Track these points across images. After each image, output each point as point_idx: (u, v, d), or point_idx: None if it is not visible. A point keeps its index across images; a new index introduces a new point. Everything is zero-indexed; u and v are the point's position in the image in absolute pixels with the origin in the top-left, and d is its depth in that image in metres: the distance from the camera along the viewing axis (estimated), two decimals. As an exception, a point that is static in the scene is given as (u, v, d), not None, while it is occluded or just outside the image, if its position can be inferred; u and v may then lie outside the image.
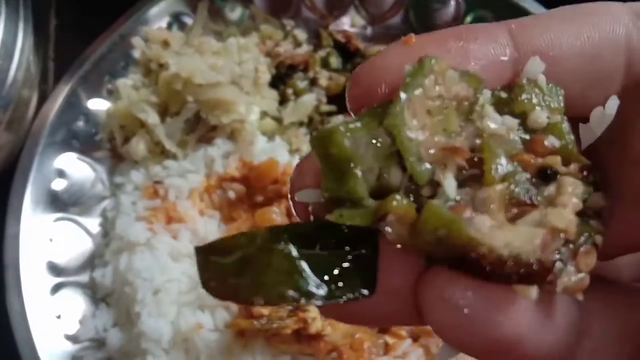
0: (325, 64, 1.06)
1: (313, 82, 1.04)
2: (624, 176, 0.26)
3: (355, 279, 0.27)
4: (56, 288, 0.91)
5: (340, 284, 0.27)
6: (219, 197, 0.96)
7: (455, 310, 0.26)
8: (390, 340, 0.88)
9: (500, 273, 0.24)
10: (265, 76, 1.02)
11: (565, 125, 0.28)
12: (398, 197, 0.26)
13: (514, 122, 0.28)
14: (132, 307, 0.87)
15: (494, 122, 0.27)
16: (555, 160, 0.27)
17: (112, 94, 1.02)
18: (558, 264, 0.25)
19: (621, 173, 0.27)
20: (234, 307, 0.86)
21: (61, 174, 0.97)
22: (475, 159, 0.27)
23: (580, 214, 0.26)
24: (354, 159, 0.26)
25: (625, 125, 0.27)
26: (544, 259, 0.25)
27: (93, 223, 0.98)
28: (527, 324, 0.26)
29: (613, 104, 0.29)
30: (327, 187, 0.27)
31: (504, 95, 0.28)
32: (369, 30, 1.11)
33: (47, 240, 0.93)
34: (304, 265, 0.27)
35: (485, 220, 0.25)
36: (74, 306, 0.91)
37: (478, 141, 0.27)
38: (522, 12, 1.03)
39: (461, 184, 0.27)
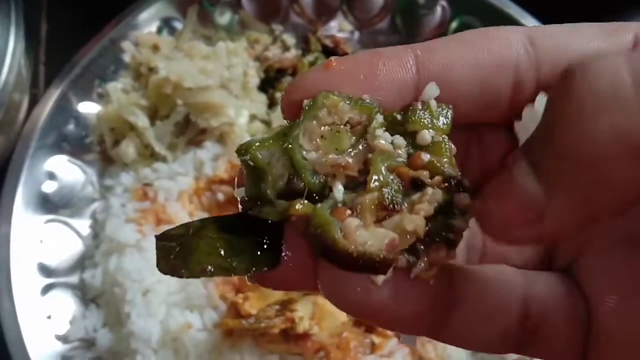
0: (313, 69, 1.07)
1: (301, 86, 1.06)
2: (553, 169, 0.30)
3: (263, 257, 0.35)
4: (46, 289, 0.92)
5: (250, 260, 0.35)
6: (208, 199, 0.97)
7: (334, 289, 0.33)
8: (376, 339, 0.89)
9: (359, 264, 0.32)
10: (254, 80, 1.03)
11: (446, 143, 0.34)
12: (300, 202, 0.33)
13: (402, 141, 0.34)
14: (121, 308, 0.88)
15: (383, 140, 0.33)
16: (423, 173, 0.33)
17: (102, 98, 1.04)
18: (405, 258, 0.32)
19: (551, 166, 0.30)
20: (223, 307, 0.87)
21: (52, 176, 0.98)
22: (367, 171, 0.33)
23: (443, 215, 0.32)
24: (265, 168, 0.33)
25: (549, 125, 0.30)
26: (386, 256, 0.31)
27: (83, 225, 0.99)
28: (384, 298, 0.33)
29: (541, 101, 0.32)
30: (248, 189, 0.35)
31: (399, 117, 0.34)
32: (356, 35, 1.13)
33: (37, 241, 0.94)
34: (221, 245, 0.35)
35: (354, 222, 0.32)
36: (64, 307, 0.92)
37: (370, 156, 0.34)
38: (506, 18, 1.05)
39: (353, 191, 0.34)
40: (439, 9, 1.09)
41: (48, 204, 0.97)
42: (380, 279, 0.32)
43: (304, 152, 0.34)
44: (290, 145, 0.34)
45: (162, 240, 0.36)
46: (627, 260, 0.34)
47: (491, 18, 1.06)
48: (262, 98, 1.04)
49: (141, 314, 0.87)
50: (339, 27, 1.13)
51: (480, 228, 0.32)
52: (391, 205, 0.32)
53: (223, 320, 0.84)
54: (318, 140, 0.34)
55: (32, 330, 0.87)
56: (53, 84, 1.01)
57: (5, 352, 0.86)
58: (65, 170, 1.00)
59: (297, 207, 0.33)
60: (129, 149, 0.99)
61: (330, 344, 0.86)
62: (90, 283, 0.93)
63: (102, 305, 0.93)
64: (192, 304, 0.88)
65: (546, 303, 0.35)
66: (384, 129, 0.34)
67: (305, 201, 0.33)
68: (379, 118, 0.34)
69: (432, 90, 0.34)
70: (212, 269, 0.35)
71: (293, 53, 1.09)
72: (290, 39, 1.10)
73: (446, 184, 0.33)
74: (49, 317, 0.90)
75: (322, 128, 0.34)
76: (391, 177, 0.33)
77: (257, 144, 0.34)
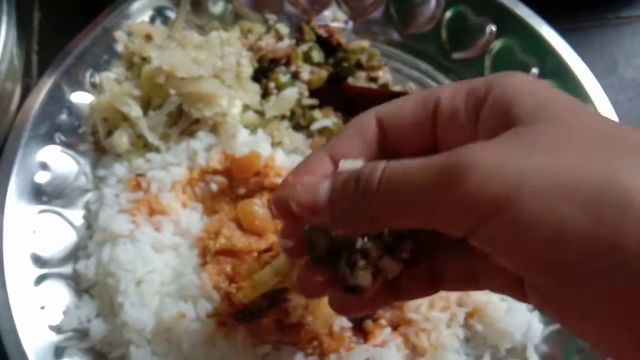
0: (307, 58, 1.07)
1: (295, 76, 1.05)
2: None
3: None
4: (40, 279, 0.92)
5: None
6: (201, 189, 0.97)
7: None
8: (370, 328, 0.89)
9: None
10: (248, 70, 1.03)
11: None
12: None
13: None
14: (115, 298, 0.88)
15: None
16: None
17: (95, 88, 1.03)
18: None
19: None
20: (216, 297, 0.87)
21: (44, 166, 0.98)
22: None
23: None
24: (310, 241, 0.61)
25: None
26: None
27: (76, 215, 0.98)
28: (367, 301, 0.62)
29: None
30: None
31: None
32: (350, 25, 1.13)
33: (30, 232, 0.94)
34: None
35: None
36: (57, 297, 0.92)
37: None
38: (499, 7, 1.05)
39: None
40: (433, -1, 1.09)
41: (41, 195, 0.97)
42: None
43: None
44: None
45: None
46: None
47: (484, 7, 1.06)
48: (255, 88, 1.03)
49: (134, 304, 0.87)
50: (332, 17, 1.12)
51: None
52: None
53: (217, 311, 0.84)
54: None
55: (26, 321, 0.88)
56: (45, 73, 1.01)
57: (-1, 343, 0.86)
58: (58, 161, 0.99)
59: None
60: (122, 139, 0.98)
61: (323, 333, 0.86)
62: (84, 273, 0.93)
63: (95, 296, 0.93)
64: (185, 294, 0.88)
65: None
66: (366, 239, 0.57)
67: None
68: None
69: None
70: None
71: (287, 43, 1.08)
72: (284, 29, 1.10)
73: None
74: (42, 308, 0.90)
75: None
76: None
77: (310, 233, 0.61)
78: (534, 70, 1.03)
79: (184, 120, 0.99)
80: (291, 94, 1.03)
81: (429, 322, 0.89)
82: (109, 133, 1.01)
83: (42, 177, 0.97)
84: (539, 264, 0.44)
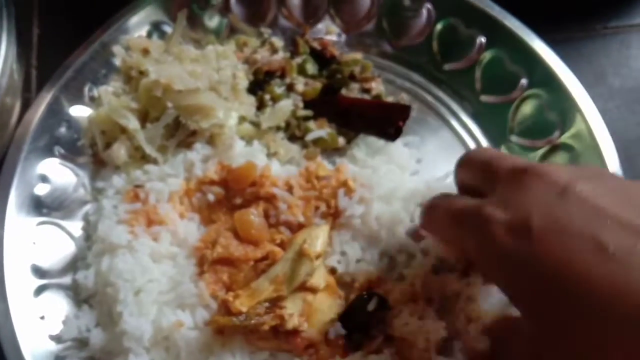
0: (301, 71, 1.09)
1: (290, 88, 1.07)
2: None
3: None
4: (40, 290, 0.93)
5: None
6: (198, 200, 0.98)
7: None
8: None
9: None
10: (243, 82, 1.05)
11: None
12: None
13: None
14: (114, 308, 0.89)
15: None
16: None
17: (93, 101, 1.05)
18: None
19: None
20: (213, 305, 0.88)
21: (44, 179, 0.99)
22: None
23: None
24: None
25: None
26: None
27: (75, 227, 1.00)
28: None
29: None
30: None
31: None
32: (343, 38, 1.15)
33: (30, 243, 0.95)
34: None
35: None
36: (57, 307, 0.93)
37: None
38: (490, 20, 1.07)
39: None
40: (424, 12, 1.11)
41: (41, 207, 0.98)
42: None
43: None
44: None
45: None
46: None
47: (475, 20, 1.08)
48: (251, 100, 1.05)
49: (133, 313, 0.88)
50: (326, 30, 1.14)
51: None
52: None
53: (214, 318, 0.85)
54: None
55: (26, 331, 0.89)
56: (45, 87, 1.03)
57: (0, 353, 0.87)
58: (57, 173, 1.01)
59: None
60: (120, 151, 1.00)
61: (319, 340, 0.87)
62: (83, 284, 0.94)
63: (94, 306, 0.94)
64: (183, 302, 0.89)
65: None
66: None
67: None
68: None
69: None
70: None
71: (281, 55, 1.10)
72: (278, 42, 1.12)
73: None
74: (42, 318, 0.91)
75: None
76: None
77: None
78: (523, 81, 1.06)
79: (181, 132, 1.01)
80: (286, 105, 1.05)
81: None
82: (108, 145, 1.02)
83: (41, 189, 0.99)
84: None
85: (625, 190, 0.58)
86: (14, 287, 0.91)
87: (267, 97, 1.06)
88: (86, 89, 1.05)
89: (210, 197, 0.97)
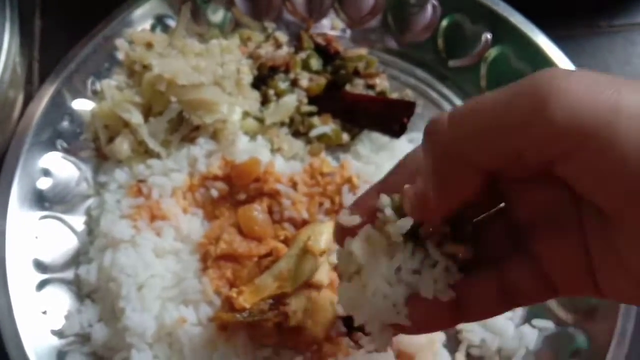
0: (305, 66, 1.09)
1: (294, 83, 1.07)
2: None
3: None
4: (42, 284, 0.93)
5: None
6: (201, 195, 0.98)
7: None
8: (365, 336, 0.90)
9: None
10: (247, 77, 1.04)
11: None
12: None
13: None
14: (116, 303, 0.89)
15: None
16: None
17: (96, 95, 1.04)
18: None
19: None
20: (217, 301, 0.88)
21: (46, 172, 0.99)
22: None
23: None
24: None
25: None
26: None
27: (78, 221, 0.99)
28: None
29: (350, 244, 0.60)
30: None
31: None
32: (348, 33, 1.14)
33: (32, 237, 0.95)
34: None
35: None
36: (59, 302, 0.93)
37: None
38: (495, 16, 1.06)
39: None
40: (429, 7, 1.11)
41: (43, 201, 0.98)
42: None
43: None
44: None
45: None
46: None
47: (481, 16, 1.08)
48: (255, 95, 1.05)
49: (136, 308, 0.88)
50: (331, 25, 1.14)
51: None
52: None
53: (217, 314, 0.85)
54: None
55: (28, 326, 0.88)
56: (47, 80, 1.02)
57: (2, 348, 0.87)
58: (59, 167, 1.00)
59: None
60: (123, 145, 1.00)
61: (322, 338, 0.87)
62: (85, 278, 0.94)
63: (97, 301, 0.94)
64: (186, 298, 0.89)
65: None
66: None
67: None
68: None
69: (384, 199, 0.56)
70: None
71: (285, 50, 1.10)
72: (282, 37, 1.11)
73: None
74: (44, 313, 0.91)
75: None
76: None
77: None
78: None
79: (184, 127, 1.01)
80: (290, 101, 1.04)
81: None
82: (110, 140, 1.02)
83: (44, 184, 0.98)
84: (636, 197, 0.39)
85: None
86: (16, 282, 0.90)
87: (271, 92, 1.05)
88: (89, 82, 1.04)
89: (214, 193, 0.96)
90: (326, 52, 1.10)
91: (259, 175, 0.95)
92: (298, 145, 1.03)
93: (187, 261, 0.92)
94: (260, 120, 1.04)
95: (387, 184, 0.58)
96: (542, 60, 1.04)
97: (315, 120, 1.05)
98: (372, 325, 0.59)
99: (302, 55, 1.09)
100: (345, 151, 1.04)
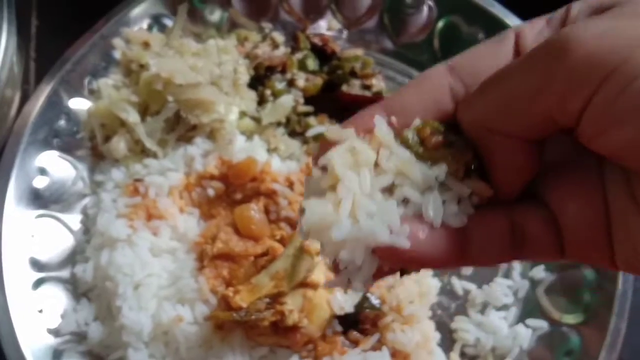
0: (302, 66, 1.09)
1: (291, 84, 1.07)
2: None
3: None
4: (38, 283, 0.93)
5: None
6: (198, 194, 0.98)
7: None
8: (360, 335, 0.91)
9: None
10: (244, 77, 1.05)
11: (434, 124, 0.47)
12: None
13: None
14: (113, 302, 0.89)
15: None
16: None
17: (93, 94, 1.04)
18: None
19: None
20: (213, 300, 0.88)
21: (43, 171, 0.99)
22: None
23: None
24: None
25: None
26: None
27: (74, 220, 0.99)
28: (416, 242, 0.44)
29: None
30: None
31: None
32: (344, 34, 1.14)
33: (29, 236, 0.95)
34: None
35: None
36: (55, 301, 0.93)
37: None
38: (491, 17, 1.07)
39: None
40: (425, 9, 1.11)
41: (39, 199, 0.98)
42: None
43: None
44: None
45: None
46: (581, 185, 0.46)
47: (476, 17, 1.08)
48: (251, 95, 1.05)
49: (132, 307, 0.88)
50: (327, 26, 1.14)
51: None
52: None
53: (214, 313, 0.86)
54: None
55: (24, 324, 0.88)
56: (44, 80, 1.02)
57: (-2, 346, 0.87)
58: (56, 166, 1.00)
59: None
60: (119, 144, 1.00)
61: (318, 337, 0.88)
62: (82, 277, 0.94)
63: (93, 299, 0.94)
64: (183, 297, 0.89)
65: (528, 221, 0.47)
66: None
67: None
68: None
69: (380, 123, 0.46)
70: None
71: (282, 51, 1.10)
72: (279, 37, 1.11)
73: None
74: (40, 311, 0.91)
75: None
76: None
77: None
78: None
79: (181, 127, 1.01)
80: (287, 101, 1.04)
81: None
82: (107, 139, 1.02)
83: (40, 182, 0.98)
84: None
85: None
86: (12, 280, 0.90)
87: (267, 92, 1.06)
88: (86, 81, 1.05)
89: (210, 192, 0.97)
90: (323, 53, 1.11)
91: (255, 174, 0.95)
92: (294, 145, 1.03)
93: (183, 260, 0.92)
94: (257, 120, 1.04)
95: (394, 103, 0.49)
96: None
97: (312, 120, 1.05)
98: (353, 251, 0.44)
99: (299, 55, 1.10)
100: (342, 151, 1.04)
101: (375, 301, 0.91)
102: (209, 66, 1.02)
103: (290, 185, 0.96)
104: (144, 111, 1.01)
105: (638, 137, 0.39)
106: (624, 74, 0.38)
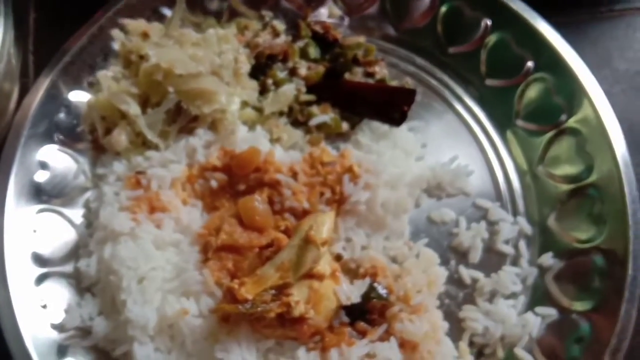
0: (304, 54, 1.08)
1: (292, 72, 1.06)
2: None
3: None
4: (41, 278, 0.92)
5: None
6: (201, 186, 0.97)
7: None
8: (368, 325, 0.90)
9: None
10: (245, 66, 1.03)
11: None
12: None
13: None
14: (117, 296, 0.88)
15: None
16: None
17: (92, 86, 1.03)
18: None
19: None
20: (218, 293, 0.87)
21: (44, 165, 0.98)
22: None
23: None
24: None
25: None
26: None
27: (76, 214, 0.98)
28: None
29: None
30: None
31: None
32: (346, 21, 1.13)
33: (31, 231, 0.94)
34: None
35: None
36: (59, 296, 0.92)
37: None
38: (497, 3, 1.06)
39: None
40: (428, -6, 1.10)
41: (40, 194, 0.97)
42: None
43: None
44: None
45: None
46: None
47: (480, 2, 1.07)
48: (253, 84, 1.04)
49: (137, 301, 0.87)
50: (328, 13, 1.13)
51: None
52: None
53: (219, 306, 0.84)
54: None
55: (28, 320, 0.88)
56: (43, 72, 1.01)
57: (2, 342, 0.86)
58: (57, 160, 0.99)
59: None
60: (120, 137, 0.98)
61: (325, 328, 0.87)
62: (85, 272, 0.93)
63: (97, 294, 0.93)
64: (187, 290, 0.88)
65: None
66: None
67: None
68: None
69: None
70: None
71: (283, 39, 1.08)
72: (280, 25, 1.10)
73: None
74: (44, 307, 0.90)
75: None
76: None
77: None
78: (529, 64, 1.04)
79: (182, 118, 1.00)
80: (289, 90, 1.03)
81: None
82: (108, 131, 1.01)
83: (41, 176, 0.97)
84: None
85: None
86: (15, 276, 0.89)
87: (269, 81, 1.04)
88: (85, 73, 1.03)
89: (213, 184, 0.95)
90: (324, 40, 1.09)
91: (258, 165, 0.94)
92: (297, 134, 1.02)
93: (187, 253, 0.91)
94: (259, 110, 1.03)
95: None
96: (542, 47, 1.03)
97: (315, 109, 1.04)
98: None
99: (300, 43, 1.08)
100: (346, 140, 1.04)
101: (382, 291, 0.90)
102: (209, 56, 1.00)
103: (294, 175, 0.94)
104: (145, 103, 1.00)
105: None
106: None
